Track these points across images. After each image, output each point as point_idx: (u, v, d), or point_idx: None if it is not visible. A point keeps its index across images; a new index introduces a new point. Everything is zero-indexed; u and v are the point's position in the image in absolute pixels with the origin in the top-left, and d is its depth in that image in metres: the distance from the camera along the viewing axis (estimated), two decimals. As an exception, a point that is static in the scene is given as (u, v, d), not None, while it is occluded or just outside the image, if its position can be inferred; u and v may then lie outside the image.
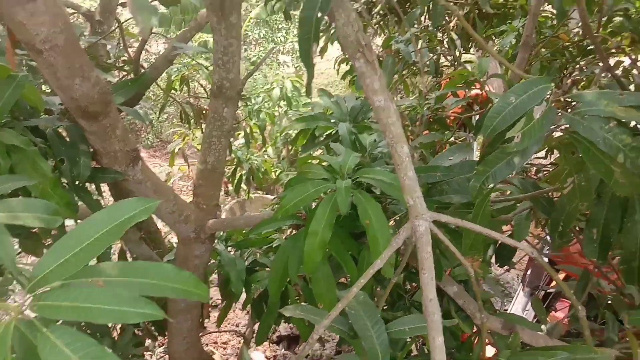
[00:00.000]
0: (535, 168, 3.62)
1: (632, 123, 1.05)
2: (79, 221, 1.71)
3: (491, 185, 1.08)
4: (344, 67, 3.97)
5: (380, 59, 2.75)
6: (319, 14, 0.87)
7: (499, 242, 2.04)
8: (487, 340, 1.55)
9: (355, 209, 1.51)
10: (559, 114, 1.00)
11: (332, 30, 3.82)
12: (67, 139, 1.51)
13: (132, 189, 1.72)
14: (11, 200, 0.93)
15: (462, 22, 1.17)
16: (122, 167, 1.59)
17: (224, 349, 4.52)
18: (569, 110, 1.06)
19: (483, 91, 2.48)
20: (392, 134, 0.92)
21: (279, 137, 4.81)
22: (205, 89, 3.91)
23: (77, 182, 1.55)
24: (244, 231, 2.64)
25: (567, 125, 1.01)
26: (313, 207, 1.75)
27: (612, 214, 1.27)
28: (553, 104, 0.99)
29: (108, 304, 0.67)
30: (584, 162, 1.05)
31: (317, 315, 1.25)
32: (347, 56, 3.60)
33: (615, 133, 0.96)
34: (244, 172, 5.06)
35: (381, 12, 3.51)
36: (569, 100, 1.12)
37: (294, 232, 2.36)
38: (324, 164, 1.73)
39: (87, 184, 1.66)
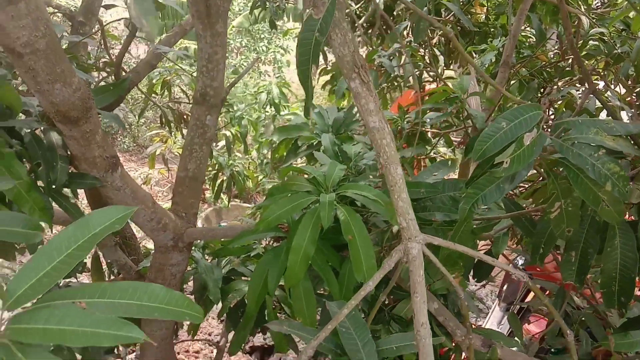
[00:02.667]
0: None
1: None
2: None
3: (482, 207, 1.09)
4: (324, 78, 3.98)
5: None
6: (318, 35, 0.87)
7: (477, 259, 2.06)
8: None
9: (338, 221, 1.51)
10: (550, 139, 1.01)
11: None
12: (45, 142, 1.46)
13: (110, 195, 1.68)
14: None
15: (453, 41, 1.18)
16: (100, 173, 1.55)
17: (196, 358, 4.44)
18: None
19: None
20: (387, 155, 0.92)
21: (264, 144, 4.78)
22: (186, 94, 3.86)
23: (53, 187, 1.50)
24: (221, 239, 2.60)
25: (557, 151, 1.03)
26: (296, 219, 1.74)
27: (591, 237, 1.30)
28: (543, 130, 1.01)
29: (81, 326, 0.63)
30: (572, 188, 1.07)
31: (306, 332, 1.22)
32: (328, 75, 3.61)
33: (604, 161, 0.99)
34: (224, 178, 4.98)
35: (365, 24, 3.53)
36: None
37: (273, 242, 2.34)
38: (307, 175, 1.72)
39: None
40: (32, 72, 1.11)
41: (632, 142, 1.46)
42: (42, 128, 1.47)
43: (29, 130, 1.47)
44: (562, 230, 1.15)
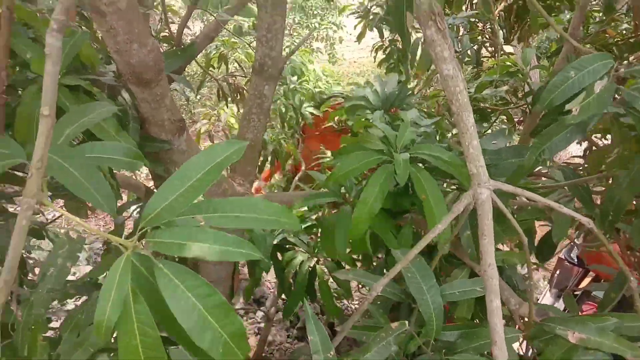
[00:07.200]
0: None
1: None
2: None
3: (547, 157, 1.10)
4: (380, 56, 3.95)
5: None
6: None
7: (540, 239, 2.02)
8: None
9: (396, 188, 1.50)
10: (618, 88, 1.01)
11: (371, 16, 3.80)
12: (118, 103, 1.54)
13: (176, 159, 1.75)
14: (95, 144, 0.97)
15: (536, 5, 1.16)
16: (168, 137, 1.62)
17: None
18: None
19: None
20: (459, 103, 0.93)
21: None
22: (242, 68, 3.93)
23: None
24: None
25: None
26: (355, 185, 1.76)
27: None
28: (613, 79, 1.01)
29: (214, 243, 0.73)
30: (629, 135, 1.09)
31: (370, 279, 1.28)
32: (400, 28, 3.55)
33: None
34: (269, 155, 5.01)
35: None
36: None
37: (327, 213, 2.38)
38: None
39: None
40: (112, 31, 1.18)
41: None
42: (117, 86, 1.55)
43: (105, 93, 1.55)
44: (627, 194, 1.13)
